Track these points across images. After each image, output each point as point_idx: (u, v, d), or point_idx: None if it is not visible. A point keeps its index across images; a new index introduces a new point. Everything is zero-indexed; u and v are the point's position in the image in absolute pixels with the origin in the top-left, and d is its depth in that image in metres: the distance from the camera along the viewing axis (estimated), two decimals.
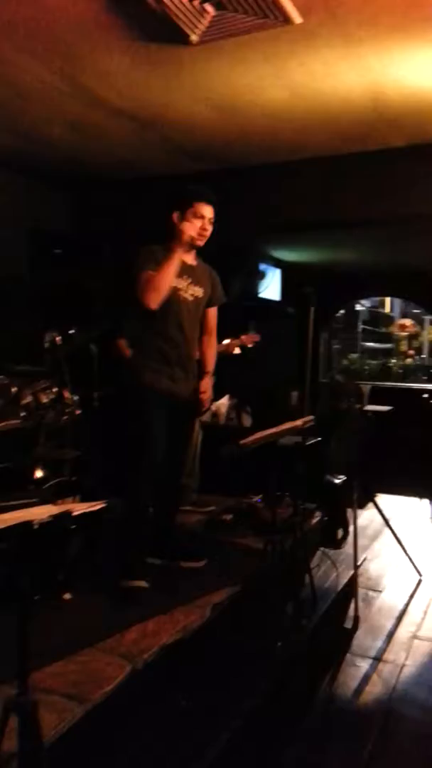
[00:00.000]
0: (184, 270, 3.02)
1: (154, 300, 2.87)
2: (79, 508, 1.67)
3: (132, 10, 2.67)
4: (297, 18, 2.69)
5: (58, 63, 3.21)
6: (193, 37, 2.82)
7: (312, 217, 4.93)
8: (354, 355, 12.74)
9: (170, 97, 3.60)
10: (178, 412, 3.11)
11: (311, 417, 3.30)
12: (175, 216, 3.00)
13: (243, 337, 4.55)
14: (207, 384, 3.28)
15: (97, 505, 1.71)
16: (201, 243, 3.05)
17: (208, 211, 3.02)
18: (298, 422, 3.13)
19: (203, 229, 3.02)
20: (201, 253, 3.18)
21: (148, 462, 2.99)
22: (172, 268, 2.89)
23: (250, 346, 4.56)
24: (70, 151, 4.44)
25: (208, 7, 2.59)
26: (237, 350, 4.54)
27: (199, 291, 3.13)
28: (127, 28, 2.85)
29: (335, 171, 4.65)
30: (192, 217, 2.98)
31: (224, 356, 4.83)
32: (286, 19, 2.68)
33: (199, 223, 3.00)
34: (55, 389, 3.05)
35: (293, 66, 3.19)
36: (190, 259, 3.10)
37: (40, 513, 1.58)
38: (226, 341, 4.61)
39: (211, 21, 2.69)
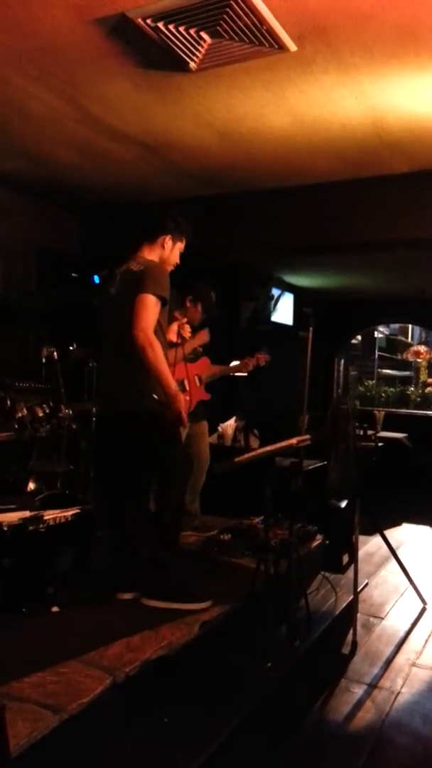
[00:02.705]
0: None
1: (148, 341, 2.76)
2: (51, 514, 1.70)
3: (132, 39, 2.77)
4: (291, 46, 2.77)
5: (63, 88, 3.32)
6: (192, 65, 2.91)
7: (318, 241, 4.99)
8: (370, 382, 12.67)
9: (174, 124, 3.69)
10: None
11: (307, 436, 3.30)
12: (168, 240, 3.07)
13: (258, 355, 4.55)
14: None
15: (70, 512, 1.74)
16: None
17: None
18: (293, 441, 3.13)
19: (177, 264, 3.16)
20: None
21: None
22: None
23: (262, 365, 4.55)
24: (78, 174, 4.55)
25: (204, 35, 2.69)
26: (244, 373, 4.55)
27: None
28: (128, 56, 2.95)
29: (342, 196, 4.69)
30: (177, 250, 3.12)
31: (234, 378, 4.86)
32: (281, 47, 2.77)
33: (178, 258, 3.14)
34: (51, 403, 3.10)
35: (292, 93, 3.26)
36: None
37: (12, 517, 1.62)
38: (235, 363, 4.63)
39: (208, 49, 2.78)
